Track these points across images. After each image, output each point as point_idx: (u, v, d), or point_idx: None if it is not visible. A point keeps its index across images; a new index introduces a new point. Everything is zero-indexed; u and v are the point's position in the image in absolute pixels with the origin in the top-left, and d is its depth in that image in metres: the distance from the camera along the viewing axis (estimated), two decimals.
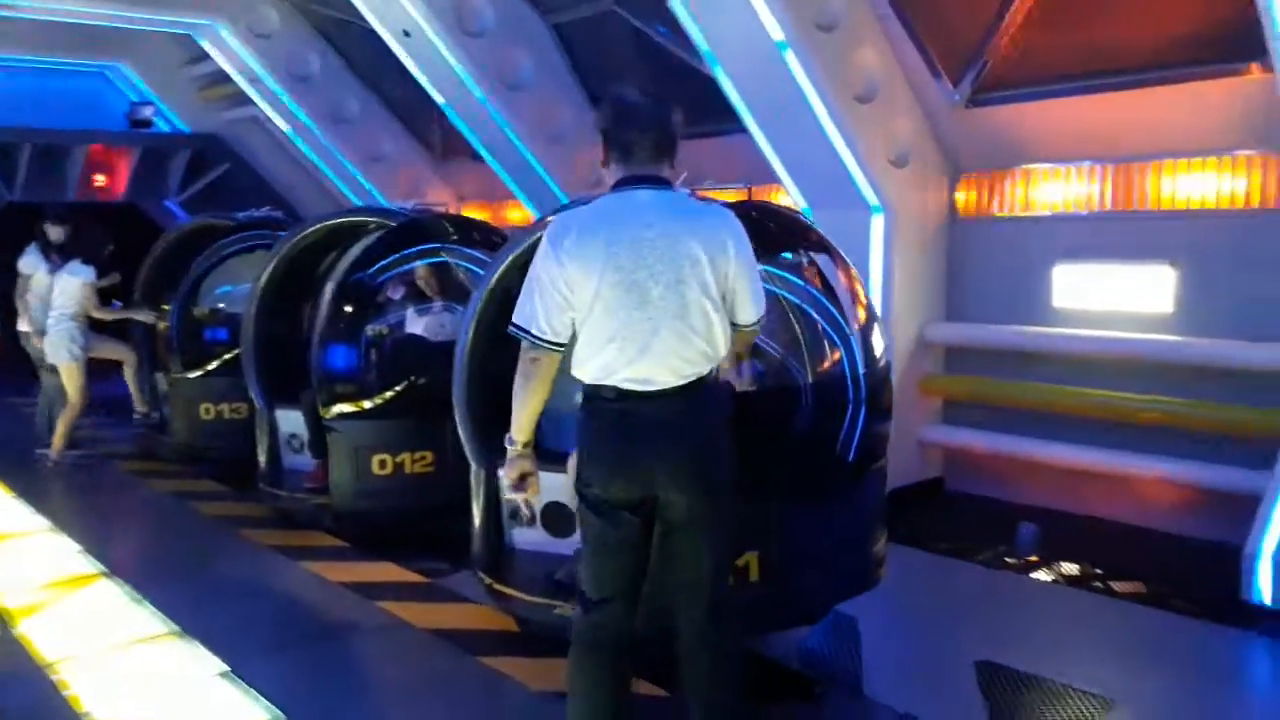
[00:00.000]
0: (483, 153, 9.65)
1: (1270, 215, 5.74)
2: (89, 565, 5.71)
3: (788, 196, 7.19)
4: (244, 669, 4.33)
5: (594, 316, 3.06)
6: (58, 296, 7.91)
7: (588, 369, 3.12)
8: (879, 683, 4.36)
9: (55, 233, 8.20)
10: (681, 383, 3.09)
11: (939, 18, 6.69)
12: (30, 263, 8.32)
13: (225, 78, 11.68)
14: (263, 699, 4.07)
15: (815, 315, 4.28)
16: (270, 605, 5.20)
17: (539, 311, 3.09)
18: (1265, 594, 4.94)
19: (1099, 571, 5.69)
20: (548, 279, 3.07)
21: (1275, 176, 5.70)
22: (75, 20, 10.61)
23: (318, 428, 6.24)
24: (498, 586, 4.61)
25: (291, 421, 6.63)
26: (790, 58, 6.43)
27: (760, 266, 3.31)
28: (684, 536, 3.19)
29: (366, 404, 6.10)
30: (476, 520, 4.79)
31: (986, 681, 4.34)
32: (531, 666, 4.36)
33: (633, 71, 8.54)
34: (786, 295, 4.24)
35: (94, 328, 8.11)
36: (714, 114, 7.31)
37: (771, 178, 7.22)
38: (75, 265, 7.94)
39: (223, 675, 4.31)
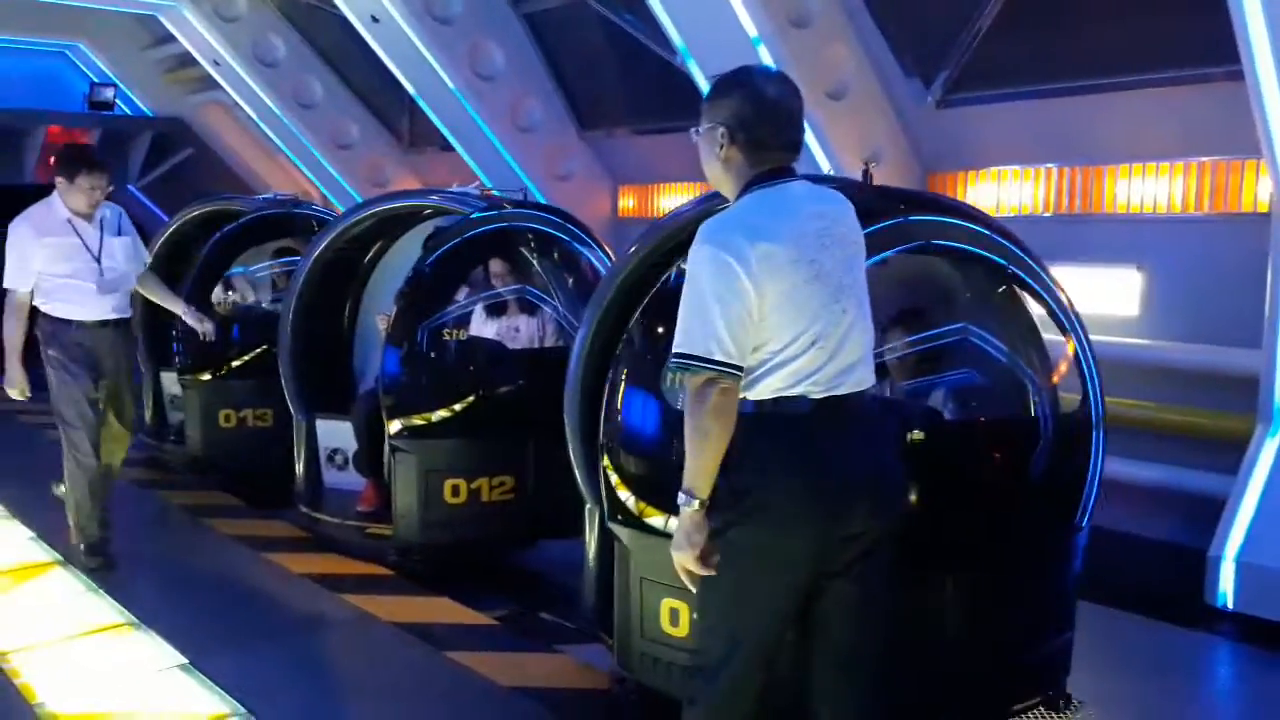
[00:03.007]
0: (452, 141, 9.57)
1: (1235, 220, 5.79)
2: (45, 553, 5.59)
3: None
4: (203, 662, 4.26)
5: (787, 319, 2.61)
6: None
7: (774, 381, 2.62)
8: None
9: None
10: (868, 384, 2.72)
11: (912, 18, 6.71)
12: None
13: (190, 61, 11.51)
14: (222, 691, 4.00)
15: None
16: (233, 596, 5.12)
17: (722, 331, 2.54)
18: (1229, 598, 4.99)
19: None
20: (729, 291, 2.55)
21: (1240, 181, 5.76)
22: None
23: (371, 442, 5.65)
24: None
25: (333, 434, 5.95)
26: (764, 53, 6.42)
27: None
28: (858, 615, 2.67)
29: (439, 419, 5.28)
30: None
31: None
32: (501, 661, 4.31)
33: (605, 64, 8.51)
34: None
35: None
36: (687, 108, 7.27)
37: None
38: None
39: (181, 667, 4.23)
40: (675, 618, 3.51)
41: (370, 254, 6.54)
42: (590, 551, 4.09)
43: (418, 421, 5.26)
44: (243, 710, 3.86)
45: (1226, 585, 4.99)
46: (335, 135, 11.11)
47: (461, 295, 5.80)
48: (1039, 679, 3.69)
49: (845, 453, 2.64)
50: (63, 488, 5.50)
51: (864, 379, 2.71)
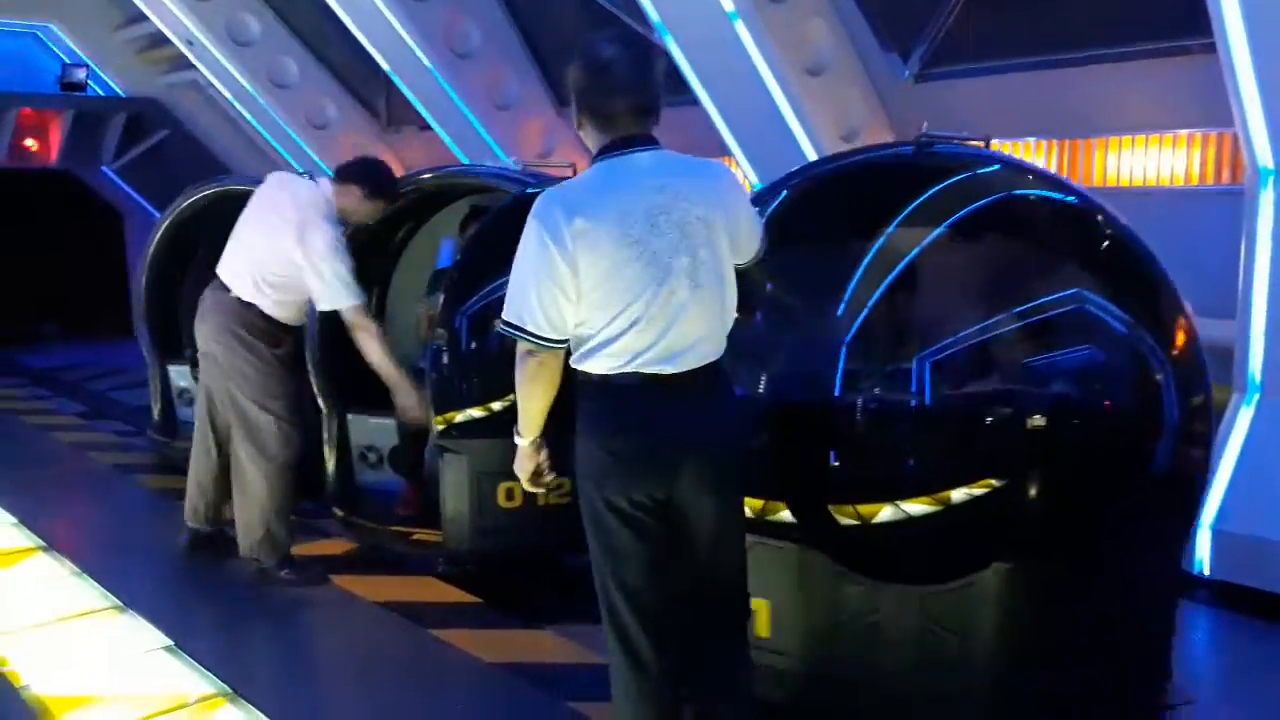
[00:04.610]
0: (430, 121, 9.52)
1: (1214, 192, 5.83)
2: (27, 539, 5.58)
3: (739, 168, 7.19)
4: (188, 644, 4.26)
5: (610, 300, 2.69)
6: None
7: (603, 359, 2.74)
8: None
9: None
10: (704, 364, 2.78)
11: None
12: None
13: (163, 40, 11.38)
14: (207, 672, 4.01)
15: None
16: (219, 580, 5.11)
17: (535, 306, 2.69)
18: (1205, 565, 5.05)
19: None
20: (546, 267, 2.67)
21: (1215, 153, 5.80)
22: None
23: (414, 441, 5.38)
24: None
25: (366, 430, 5.65)
26: (741, 28, 6.41)
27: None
28: (708, 546, 2.84)
29: (491, 416, 4.79)
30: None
31: None
32: (484, 638, 4.34)
33: (605, 42, 8.47)
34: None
35: None
36: (664, 84, 7.25)
37: (723, 150, 7.21)
38: None
39: (166, 649, 4.24)
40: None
41: (400, 234, 6.16)
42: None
43: (467, 419, 4.85)
44: (228, 690, 3.88)
45: (1203, 553, 5.05)
46: (311, 115, 11.01)
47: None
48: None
49: (671, 421, 2.75)
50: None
51: (703, 356, 2.77)
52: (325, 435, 5.65)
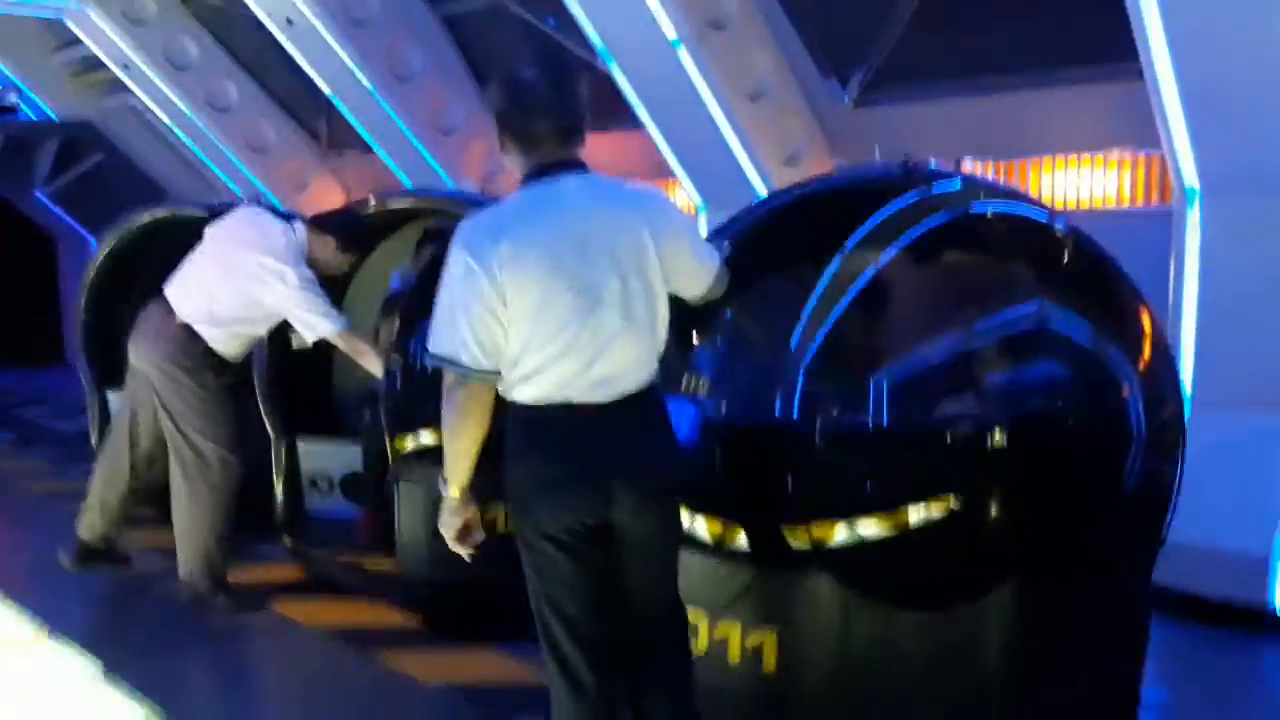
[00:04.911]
0: (373, 144, 9.48)
1: (1147, 213, 5.97)
2: None
3: (683, 192, 7.24)
4: (121, 670, 4.16)
5: (538, 330, 2.65)
6: None
7: (531, 388, 2.70)
8: None
9: None
10: (637, 389, 2.76)
11: (827, 18, 6.80)
12: None
13: (99, 64, 11.22)
14: (142, 698, 3.91)
15: None
16: (152, 604, 5.01)
17: (467, 336, 2.64)
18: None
19: None
20: (474, 296, 2.62)
21: (1145, 175, 5.95)
22: None
23: (379, 468, 5.10)
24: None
25: (317, 457, 5.49)
26: (684, 55, 6.47)
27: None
28: (644, 565, 2.83)
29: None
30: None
31: None
32: (426, 661, 4.28)
33: (526, 65, 8.49)
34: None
35: None
36: (609, 110, 7.30)
37: (668, 174, 7.26)
38: None
39: (98, 677, 4.13)
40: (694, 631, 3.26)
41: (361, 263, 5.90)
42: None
43: (422, 446, 4.64)
44: (161, 718, 3.79)
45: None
46: (251, 138, 10.89)
47: None
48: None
49: (601, 446, 2.72)
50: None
51: (635, 383, 2.75)
52: (274, 462, 5.47)
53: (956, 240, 3.38)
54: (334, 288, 5.73)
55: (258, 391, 5.40)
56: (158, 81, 10.56)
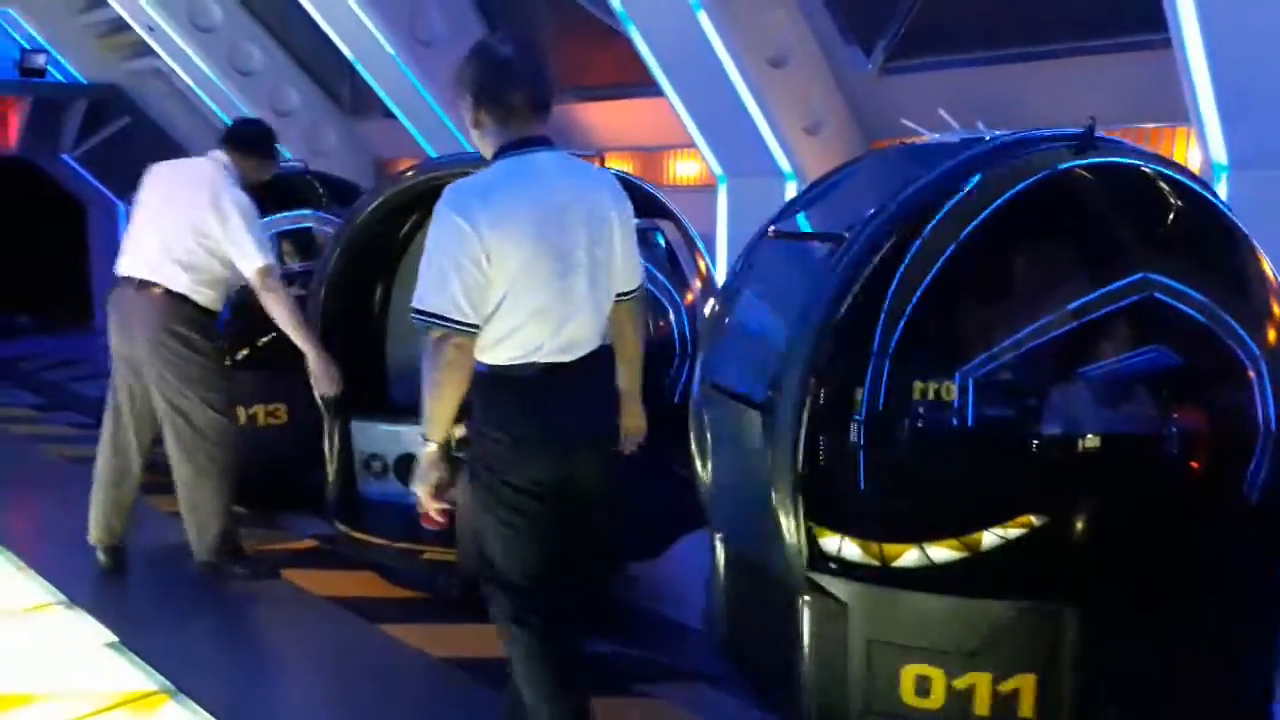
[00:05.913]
0: (394, 109, 9.44)
1: None
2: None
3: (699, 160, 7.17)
4: (132, 640, 4.20)
5: (515, 292, 2.79)
6: None
7: (505, 348, 2.84)
8: None
9: None
10: (594, 348, 2.96)
11: None
12: None
13: (124, 26, 11.22)
14: (151, 669, 3.95)
15: None
16: (166, 574, 5.05)
17: (457, 294, 2.75)
18: None
19: None
20: (464, 255, 2.74)
21: (1171, 148, 5.82)
22: None
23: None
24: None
25: (371, 437, 5.18)
26: (704, 19, 6.38)
27: None
28: (588, 512, 3.02)
29: None
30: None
31: None
32: (433, 633, 4.30)
33: (546, 30, 8.41)
34: None
35: None
36: (629, 75, 7.23)
37: (686, 141, 7.19)
38: None
39: (110, 646, 4.17)
40: (924, 686, 2.89)
41: (405, 229, 5.48)
42: (719, 585, 3.52)
43: None
44: (171, 687, 3.82)
45: None
46: (274, 102, 10.88)
47: None
48: None
49: (568, 406, 2.91)
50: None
51: (592, 345, 2.95)
52: (326, 443, 5.16)
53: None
54: (386, 258, 5.50)
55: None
56: (182, 44, 10.56)
